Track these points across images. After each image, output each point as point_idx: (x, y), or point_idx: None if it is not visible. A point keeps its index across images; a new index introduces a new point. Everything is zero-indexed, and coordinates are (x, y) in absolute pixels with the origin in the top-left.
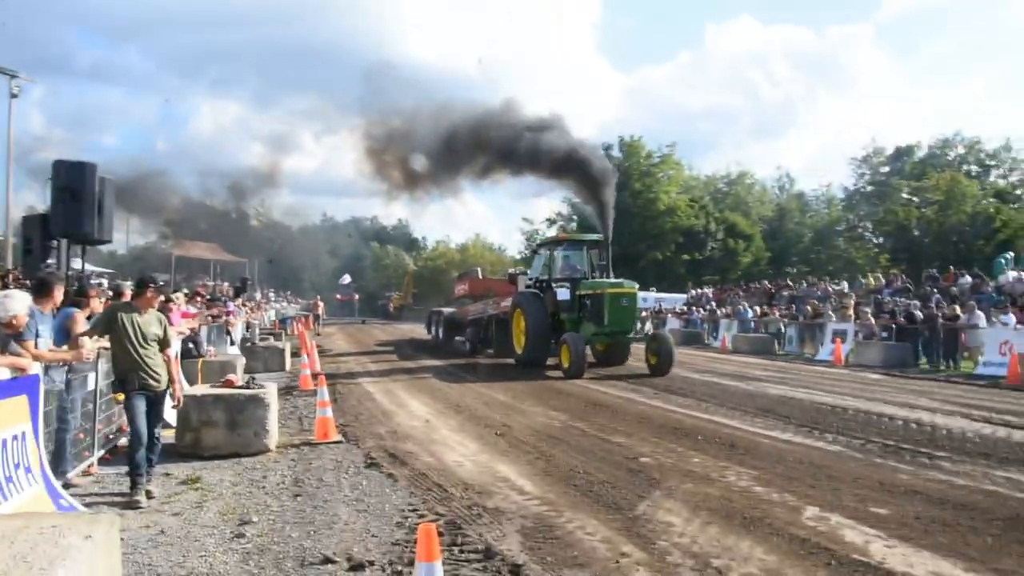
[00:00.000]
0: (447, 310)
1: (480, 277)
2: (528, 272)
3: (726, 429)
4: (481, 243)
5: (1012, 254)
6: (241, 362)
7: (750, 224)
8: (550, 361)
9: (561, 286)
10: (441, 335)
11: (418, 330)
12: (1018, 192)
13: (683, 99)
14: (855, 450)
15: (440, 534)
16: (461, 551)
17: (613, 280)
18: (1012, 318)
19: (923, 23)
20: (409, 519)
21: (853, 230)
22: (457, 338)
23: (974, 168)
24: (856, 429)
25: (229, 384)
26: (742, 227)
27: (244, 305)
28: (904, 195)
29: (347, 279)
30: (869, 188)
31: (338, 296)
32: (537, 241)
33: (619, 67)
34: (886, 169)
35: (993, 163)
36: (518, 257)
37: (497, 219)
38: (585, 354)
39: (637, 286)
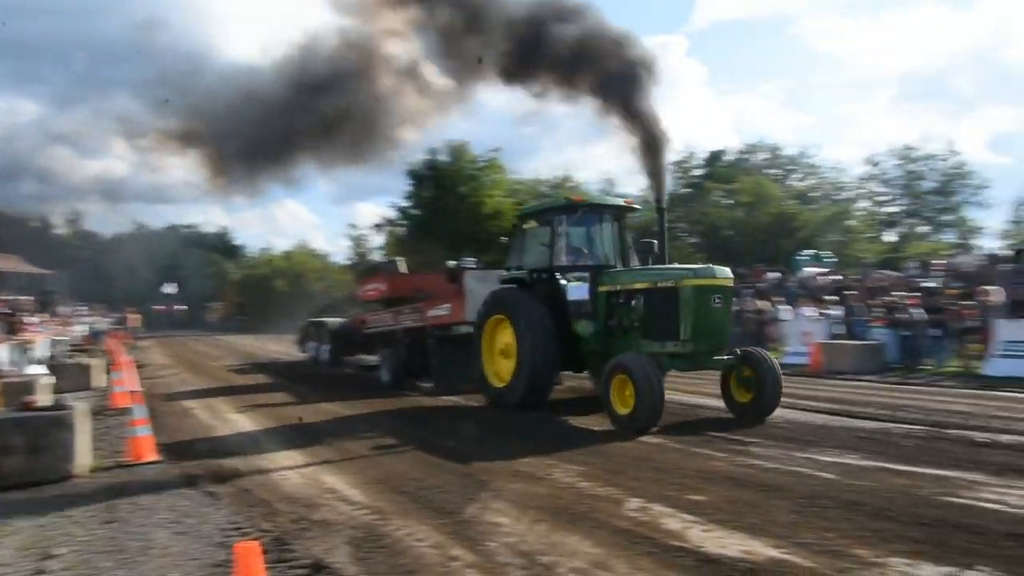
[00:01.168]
0: (333, 321)
1: (405, 272)
2: (477, 262)
3: (548, 425)
4: (307, 250)
5: (811, 251)
6: (47, 381)
7: None
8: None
9: (575, 279)
10: (327, 356)
11: (254, 345)
12: (815, 195)
13: (508, 104)
14: (675, 441)
15: (265, 551)
16: (289, 567)
17: (693, 266)
18: (811, 310)
19: (729, 36)
20: (232, 538)
21: (671, 231)
22: (361, 358)
23: (776, 172)
24: (675, 421)
25: (29, 406)
26: None
27: (49, 320)
28: (716, 197)
29: (170, 288)
30: (685, 190)
31: (158, 307)
32: (523, 209)
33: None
34: (700, 172)
35: (792, 168)
36: (349, 264)
37: (323, 224)
38: (662, 390)
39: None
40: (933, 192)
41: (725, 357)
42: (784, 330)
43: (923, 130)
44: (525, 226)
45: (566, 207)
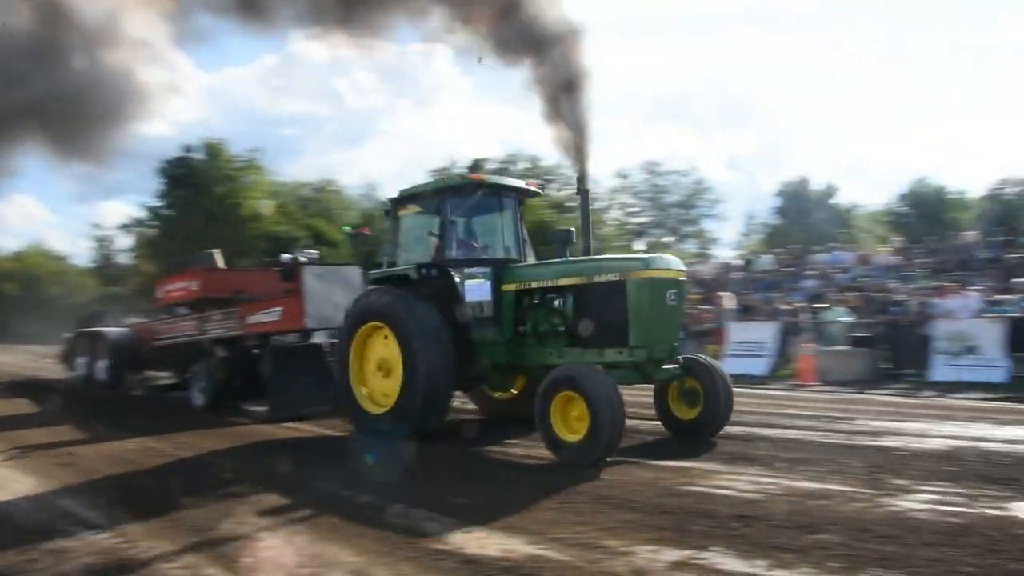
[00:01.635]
0: (113, 331)
1: (222, 267)
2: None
3: (303, 434)
4: (41, 251)
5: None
6: None
7: (337, 231)
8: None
9: (469, 275)
10: (105, 374)
11: None
12: (572, 204)
13: (268, 103)
14: (438, 446)
15: None
16: None
17: (641, 255)
18: None
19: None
20: None
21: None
22: (152, 376)
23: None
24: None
25: None
26: (329, 234)
27: None
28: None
29: None
30: None
31: None
32: (402, 192)
33: (202, 65)
34: None
35: (551, 178)
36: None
37: (62, 223)
38: (623, 409)
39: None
40: (677, 205)
41: (673, 367)
42: None
43: (669, 148)
44: (402, 212)
45: (460, 188)
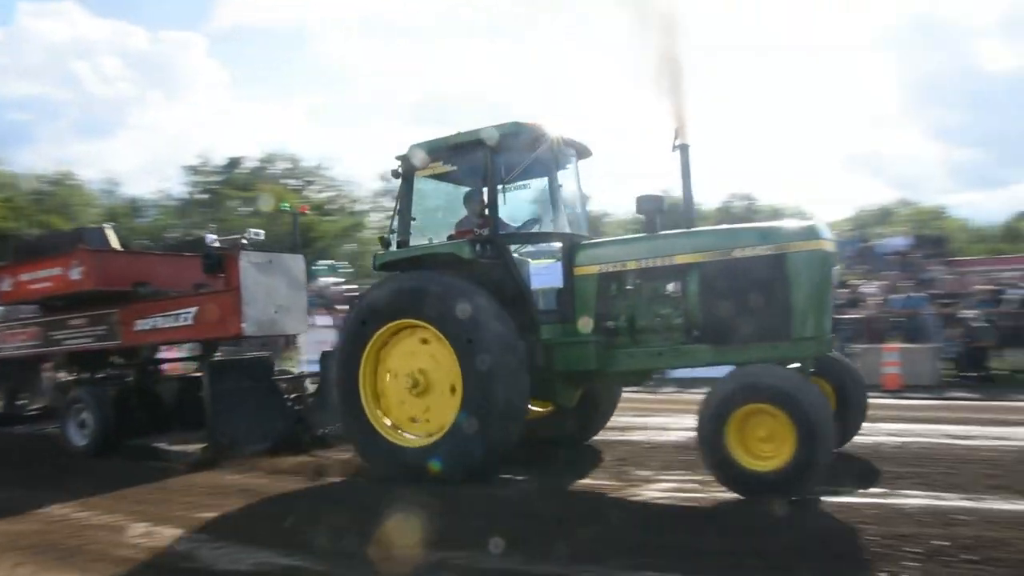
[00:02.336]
0: None
1: (118, 247)
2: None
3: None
4: None
5: (327, 261)
6: None
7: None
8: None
9: (538, 256)
10: None
11: None
12: (332, 207)
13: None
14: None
15: None
16: None
17: (803, 221)
18: (326, 319)
19: (252, 41)
20: None
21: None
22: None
23: (295, 183)
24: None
25: None
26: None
27: None
28: (235, 205)
29: None
30: (203, 196)
31: None
32: (416, 148)
33: None
34: (217, 178)
35: (311, 179)
36: None
37: None
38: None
39: None
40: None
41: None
42: (299, 338)
43: None
44: (421, 173)
45: (513, 137)
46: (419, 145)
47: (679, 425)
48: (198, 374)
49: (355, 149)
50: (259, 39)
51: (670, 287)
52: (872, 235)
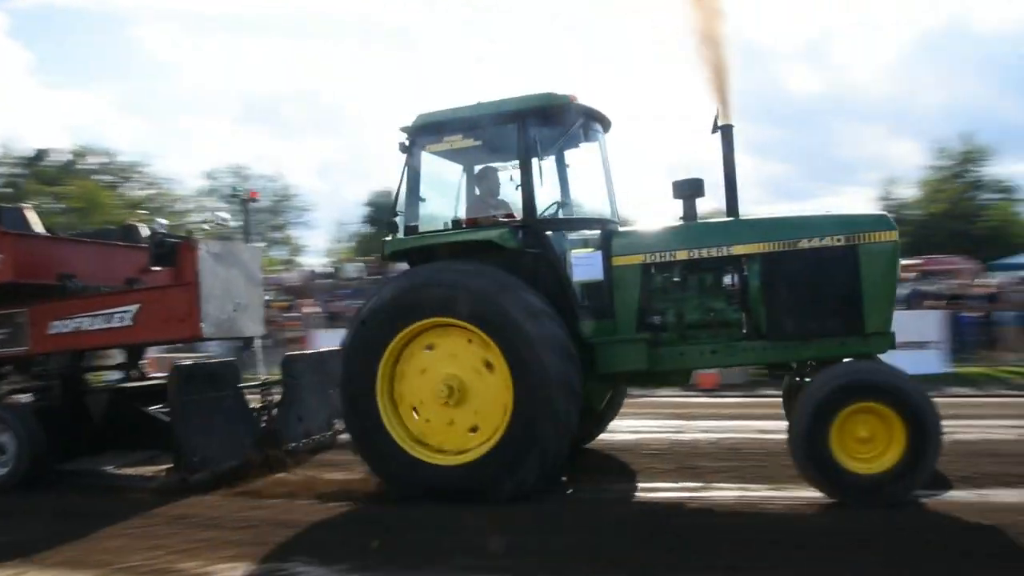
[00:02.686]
0: None
1: (42, 232)
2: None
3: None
4: None
5: None
6: None
7: None
8: None
9: (578, 245)
10: None
11: None
12: (153, 205)
13: None
14: None
15: None
16: None
17: (872, 212)
18: None
19: (60, 22)
20: None
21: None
22: None
23: (111, 179)
24: None
25: None
26: None
27: None
28: (41, 200)
29: None
30: (6, 190)
31: None
32: (424, 119)
33: None
34: (21, 171)
35: (128, 176)
36: None
37: None
38: None
39: None
40: (266, 211)
41: None
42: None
43: (258, 152)
44: (432, 148)
45: (550, 109)
46: (433, 115)
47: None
48: (131, 384)
49: (177, 146)
50: (69, 20)
51: (727, 280)
52: None
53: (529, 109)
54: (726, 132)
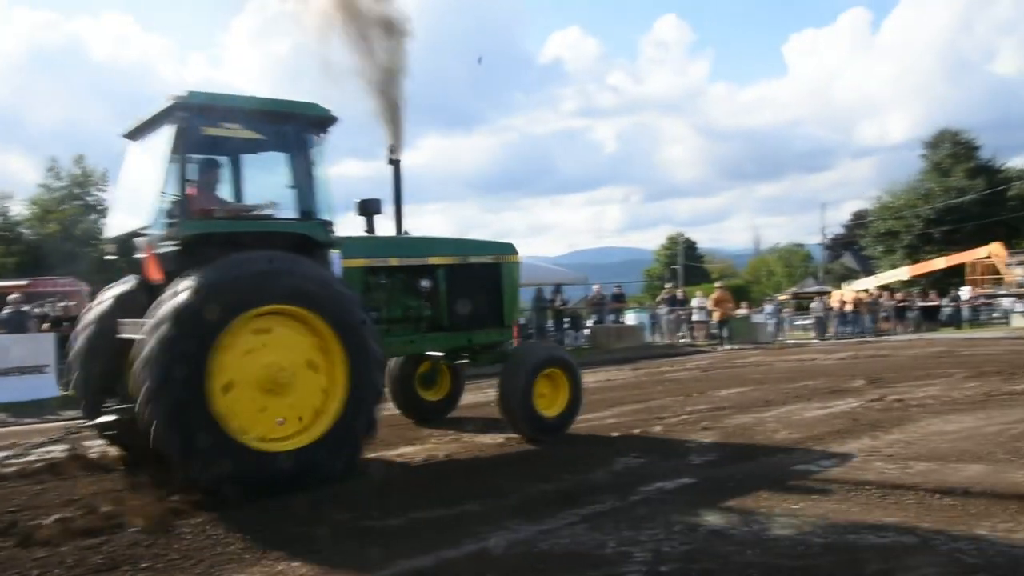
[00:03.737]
0: None
1: None
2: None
3: None
4: None
5: None
6: None
7: None
8: None
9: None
10: None
11: None
12: None
13: None
14: None
15: None
16: None
17: (497, 241)
18: None
19: None
20: None
21: None
22: None
23: None
24: None
25: None
26: None
27: None
28: None
29: None
30: None
31: None
32: (222, 98)
33: None
34: None
35: None
36: None
37: None
38: None
39: None
40: None
41: None
42: None
43: None
44: (211, 129)
45: (323, 117)
46: (213, 97)
47: None
48: None
49: None
50: None
51: (423, 284)
52: None
53: (304, 113)
54: (396, 165)
